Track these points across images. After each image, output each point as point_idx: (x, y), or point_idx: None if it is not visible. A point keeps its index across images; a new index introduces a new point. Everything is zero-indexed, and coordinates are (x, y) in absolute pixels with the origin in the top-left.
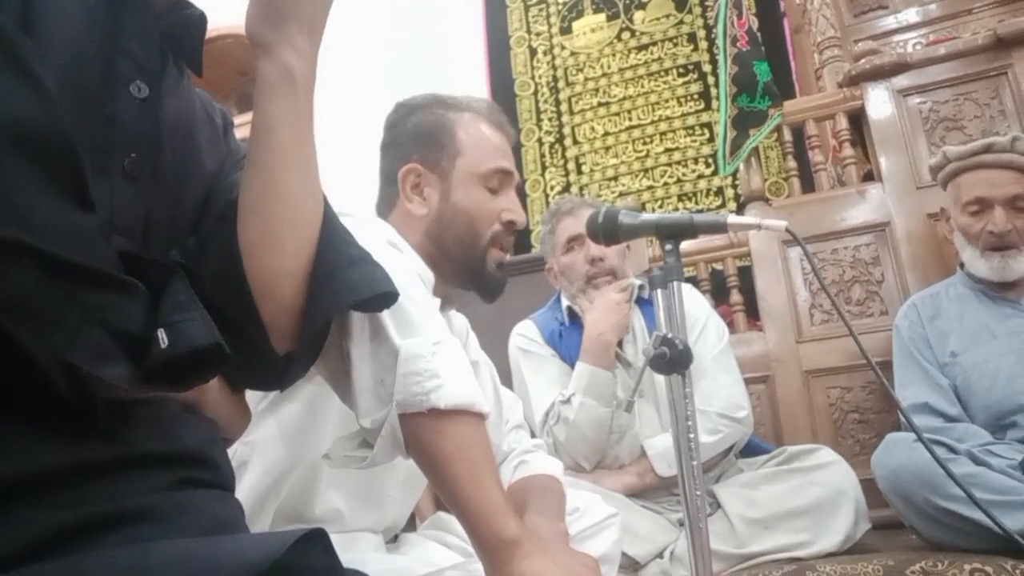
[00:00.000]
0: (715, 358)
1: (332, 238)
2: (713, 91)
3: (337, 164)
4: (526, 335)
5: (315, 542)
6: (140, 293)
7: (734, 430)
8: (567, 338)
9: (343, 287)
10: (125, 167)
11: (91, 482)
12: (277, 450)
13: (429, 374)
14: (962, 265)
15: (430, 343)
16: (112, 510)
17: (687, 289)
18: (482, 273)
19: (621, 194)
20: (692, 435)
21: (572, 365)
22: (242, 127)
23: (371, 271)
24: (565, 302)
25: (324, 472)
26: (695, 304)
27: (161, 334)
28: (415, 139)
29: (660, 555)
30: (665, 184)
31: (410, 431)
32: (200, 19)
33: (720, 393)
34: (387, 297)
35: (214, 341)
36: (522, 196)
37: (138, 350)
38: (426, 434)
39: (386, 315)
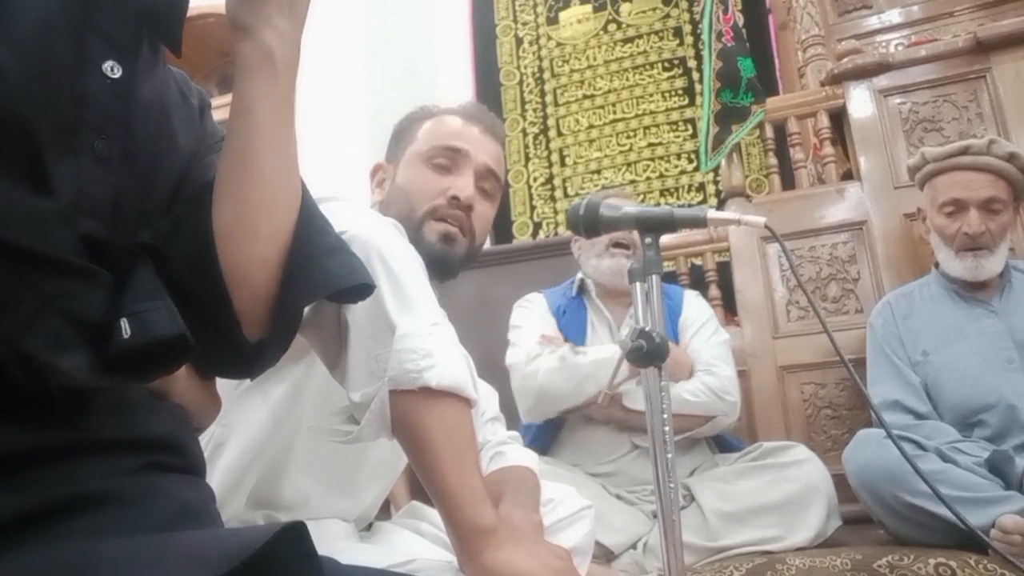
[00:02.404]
0: (713, 348)
1: (309, 226)
2: (697, 87)
3: (318, 151)
4: (532, 299)
5: (291, 540)
6: (102, 280)
7: (714, 403)
8: (570, 314)
9: (320, 275)
10: (94, 148)
11: (49, 467)
12: (259, 430)
13: (423, 353)
14: (937, 265)
15: (427, 323)
16: (72, 494)
17: (694, 296)
18: (423, 245)
19: (603, 187)
20: (667, 427)
21: (565, 336)
22: (222, 108)
23: (349, 261)
24: (579, 276)
25: (294, 457)
26: (699, 310)
27: (124, 324)
28: (391, 140)
29: (634, 546)
30: (648, 179)
31: (398, 409)
32: None
33: (716, 372)
34: (363, 288)
35: (177, 332)
36: (504, 187)
37: (98, 339)
38: (414, 413)
39: (386, 292)
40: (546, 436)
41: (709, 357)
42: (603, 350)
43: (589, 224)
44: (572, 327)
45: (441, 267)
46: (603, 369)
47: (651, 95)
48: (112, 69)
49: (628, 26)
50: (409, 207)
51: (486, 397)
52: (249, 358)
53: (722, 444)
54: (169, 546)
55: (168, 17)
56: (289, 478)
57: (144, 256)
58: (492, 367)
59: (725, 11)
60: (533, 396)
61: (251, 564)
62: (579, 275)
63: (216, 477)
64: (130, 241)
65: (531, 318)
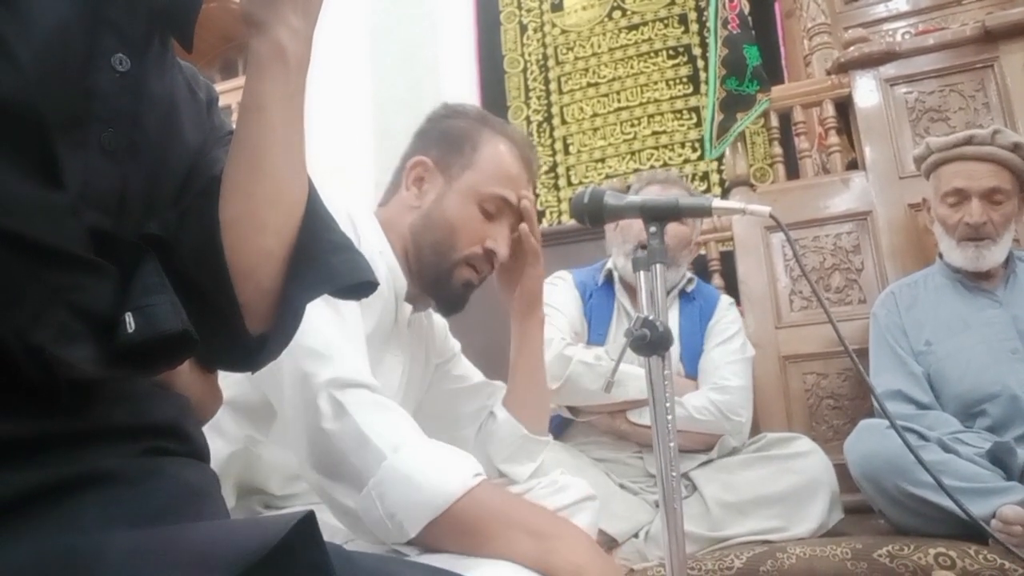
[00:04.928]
0: (731, 363)
1: (315, 222)
2: (702, 75)
3: (321, 136)
4: (562, 277)
5: (302, 530)
6: (109, 273)
7: (720, 422)
8: (597, 299)
9: (325, 271)
10: (102, 141)
11: (56, 450)
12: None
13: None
14: (941, 255)
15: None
16: (79, 472)
17: (728, 304)
18: (446, 286)
19: (608, 176)
20: (670, 417)
21: (589, 321)
22: (226, 94)
23: (353, 259)
24: (608, 265)
25: (264, 462)
26: (731, 320)
27: (129, 318)
28: (441, 138)
29: (636, 535)
30: (651, 167)
31: None
32: None
33: (727, 388)
34: (367, 286)
35: (182, 328)
36: None
37: (105, 332)
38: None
39: None
40: (556, 426)
41: (724, 371)
42: (635, 370)
43: (593, 213)
44: (599, 312)
45: (456, 308)
46: (631, 381)
47: (656, 83)
48: (121, 62)
49: (633, 13)
50: (450, 244)
51: (492, 392)
52: (251, 351)
53: None
54: (180, 541)
55: (181, 13)
56: (272, 477)
57: (149, 250)
58: (498, 355)
59: None
60: (560, 380)
61: (263, 562)
62: (609, 262)
63: None
64: (136, 233)
65: (563, 299)
